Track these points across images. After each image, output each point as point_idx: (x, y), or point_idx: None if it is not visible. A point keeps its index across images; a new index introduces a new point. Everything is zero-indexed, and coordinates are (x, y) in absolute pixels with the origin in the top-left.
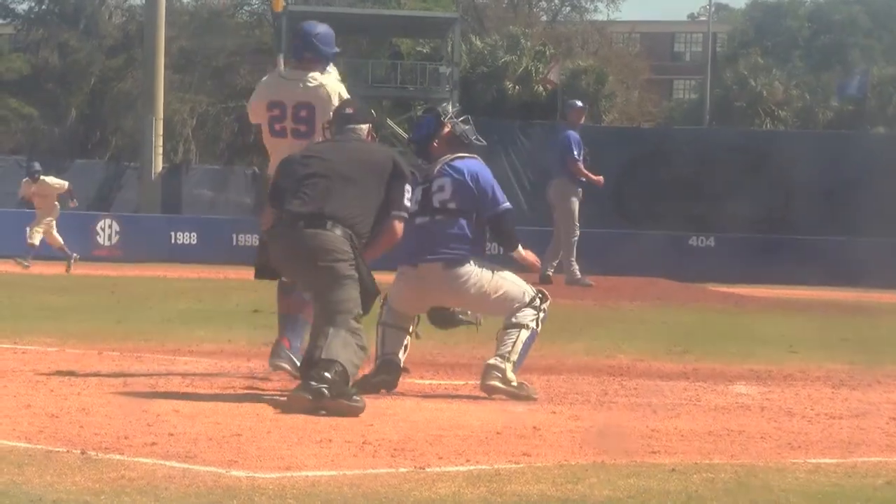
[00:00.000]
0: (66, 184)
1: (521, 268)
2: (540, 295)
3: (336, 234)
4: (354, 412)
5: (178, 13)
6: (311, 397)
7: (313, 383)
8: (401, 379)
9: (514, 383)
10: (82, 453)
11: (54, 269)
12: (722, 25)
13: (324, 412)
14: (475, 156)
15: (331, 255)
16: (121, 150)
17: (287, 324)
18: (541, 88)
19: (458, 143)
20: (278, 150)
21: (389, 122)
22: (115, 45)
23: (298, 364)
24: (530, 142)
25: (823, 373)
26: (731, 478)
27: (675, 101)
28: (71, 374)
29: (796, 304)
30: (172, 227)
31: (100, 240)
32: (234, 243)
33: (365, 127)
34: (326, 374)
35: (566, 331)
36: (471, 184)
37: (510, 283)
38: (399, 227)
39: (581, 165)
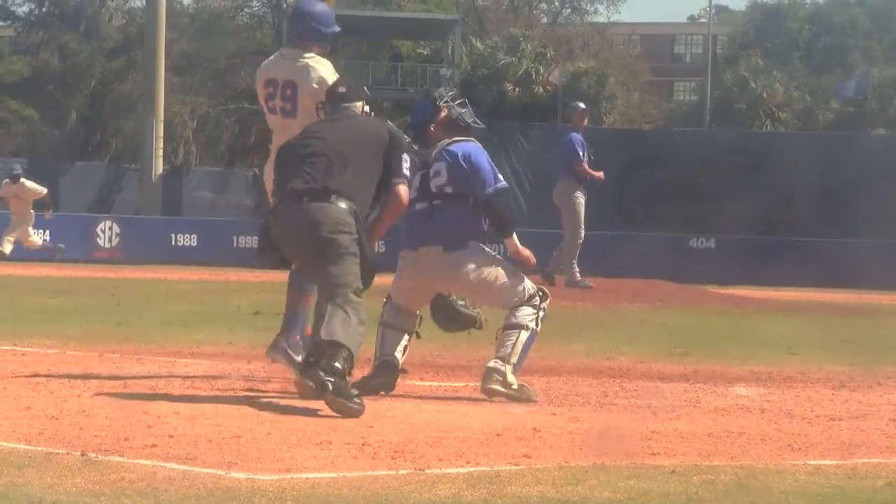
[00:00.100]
0: (44, 190)
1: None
2: (540, 293)
3: (341, 208)
4: (353, 414)
5: (178, 15)
6: (314, 386)
7: (322, 374)
8: (399, 380)
9: (515, 386)
10: (82, 455)
11: (53, 271)
12: (722, 27)
13: (321, 412)
14: (472, 139)
15: (334, 227)
16: (121, 152)
17: (288, 318)
18: (541, 90)
19: (455, 126)
20: (274, 127)
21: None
22: (116, 47)
23: (296, 358)
24: (530, 144)
25: (823, 374)
26: (731, 479)
27: (676, 103)
28: (71, 376)
29: (796, 305)
30: (173, 229)
31: (100, 242)
32: (235, 245)
33: (359, 104)
34: (336, 365)
35: (566, 332)
36: (464, 165)
37: (511, 274)
38: (402, 191)
39: (586, 166)
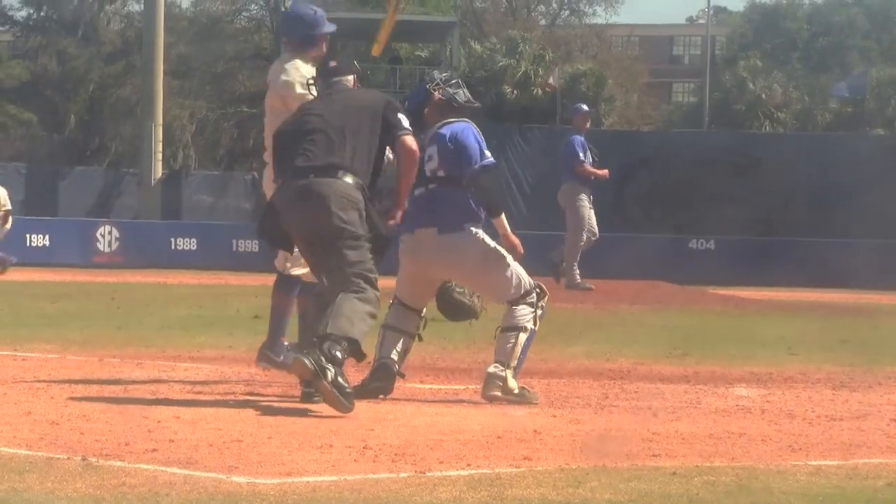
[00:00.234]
0: (5, 204)
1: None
2: (538, 290)
3: (347, 182)
4: (341, 409)
5: (176, 19)
6: (312, 368)
7: (323, 359)
8: (400, 383)
9: (516, 391)
10: (83, 460)
11: (53, 276)
12: (721, 28)
13: (322, 414)
14: (465, 119)
15: (342, 202)
16: (120, 156)
17: (273, 323)
18: (540, 92)
19: (449, 108)
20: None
21: None
22: (114, 51)
23: (277, 360)
24: (529, 146)
25: (824, 375)
26: (732, 480)
27: (675, 105)
28: (71, 380)
29: (796, 306)
30: (172, 233)
31: (100, 246)
32: (234, 249)
33: (350, 78)
34: (337, 354)
35: (566, 334)
36: (450, 145)
37: (509, 264)
38: (409, 140)
39: (588, 166)
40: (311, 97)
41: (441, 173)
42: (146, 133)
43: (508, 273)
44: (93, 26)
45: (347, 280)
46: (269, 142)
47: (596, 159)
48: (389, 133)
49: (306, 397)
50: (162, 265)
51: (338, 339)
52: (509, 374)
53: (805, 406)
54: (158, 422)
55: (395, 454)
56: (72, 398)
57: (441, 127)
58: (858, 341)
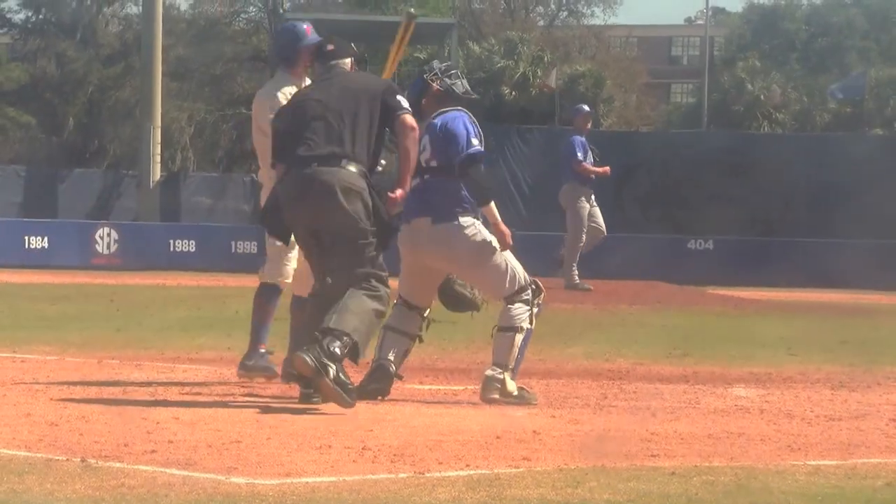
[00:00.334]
0: None
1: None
2: (533, 286)
3: (351, 171)
4: (344, 404)
5: (175, 21)
6: (313, 366)
7: (324, 359)
8: (399, 384)
9: (515, 393)
10: (82, 461)
11: (52, 278)
12: (719, 29)
13: (320, 412)
14: (460, 108)
15: (348, 191)
16: (119, 158)
17: (253, 330)
18: (535, 92)
19: (447, 98)
20: None
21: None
22: (113, 53)
23: (249, 363)
24: (528, 147)
25: (822, 375)
26: (730, 480)
27: (673, 105)
28: (70, 382)
29: (795, 306)
30: (171, 234)
31: (98, 248)
32: (233, 251)
33: (348, 61)
34: (335, 351)
35: (565, 335)
36: (440, 134)
37: (505, 257)
38: (409, 119)
39: (587, 165)
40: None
41: (434, 163)
42: (145, 135)
43: (504, 266)
44: (91, 29)
45: (358, 277)
46: (261, 161)
47: (597, 159)
48: (389, 115)
49: (305, 398)
50: (161, 267)
51: (339, 335)
52: (507, 376)
53: (804, 406)
54: (157, 423)
55: (394, 455)
56: (71, 400)
57: (435, 117)
58: (857, 341)
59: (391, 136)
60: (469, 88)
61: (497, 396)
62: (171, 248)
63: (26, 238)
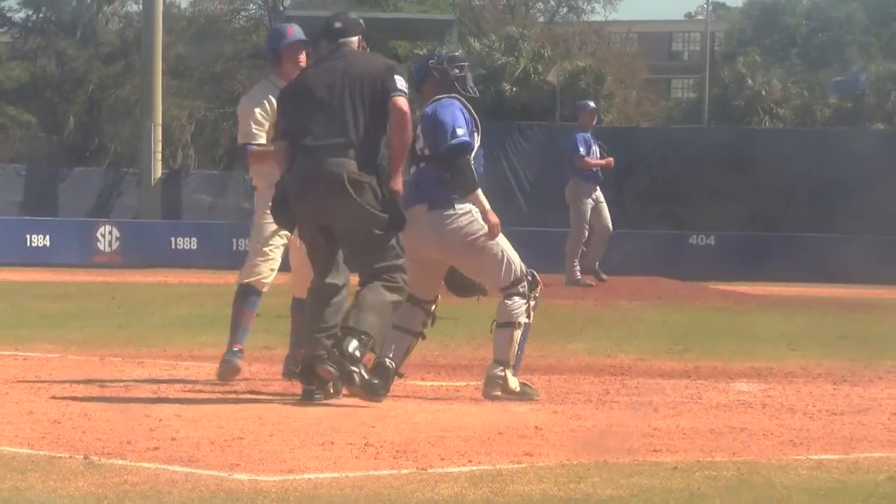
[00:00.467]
0: None
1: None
2: (529, 277)
3: (362, 162)
4: (375, 399)
5: (175, 19)
6: (338, 375)
7: (348, 367)
8: (401, 381)
9: (517, 390)
10: (85, 459)
11: (54, 276)
12: (720, 24)
13: (318, 395)
14: (454, 95)
15: (358, 186)
16: (120, 156)
17: (237, 331)
18: (539, 89)
19: (446, 86)
20: None
21: None
22: (113, 52)
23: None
24: (529, 143)
25: (824, 369)
26: (733, 475)
27: (674, 101)
28: (73, 380)
29: (796, 301)
30: (172, 232)
31: (100, 246)
32: (234, 248)
33: (355, 39)
34: (357, 353)
35: (567, 331)
36: (429, 122)
37: (502, 248)
38: (399, 101)
39: (589, 160)
40: (255, 136)
41: (426, 151)
42: (145, 133)
43: (500, 255)
44: (91, 27)
45: (377, 271)
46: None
47: (605, 154)
48: (384, 97)
49: (307, 395)
50: (162, 264)
51: (358, 335)
52: (509, 373)
53: (806, 401)
54: (160, 420)
55: (397, 451)
56: (73, 397)
57: (430, 104)
58: (859, 336)
59: None
60: (473, 85)
61: (499, 393)
62: (173, 246)
63: (27, 236)
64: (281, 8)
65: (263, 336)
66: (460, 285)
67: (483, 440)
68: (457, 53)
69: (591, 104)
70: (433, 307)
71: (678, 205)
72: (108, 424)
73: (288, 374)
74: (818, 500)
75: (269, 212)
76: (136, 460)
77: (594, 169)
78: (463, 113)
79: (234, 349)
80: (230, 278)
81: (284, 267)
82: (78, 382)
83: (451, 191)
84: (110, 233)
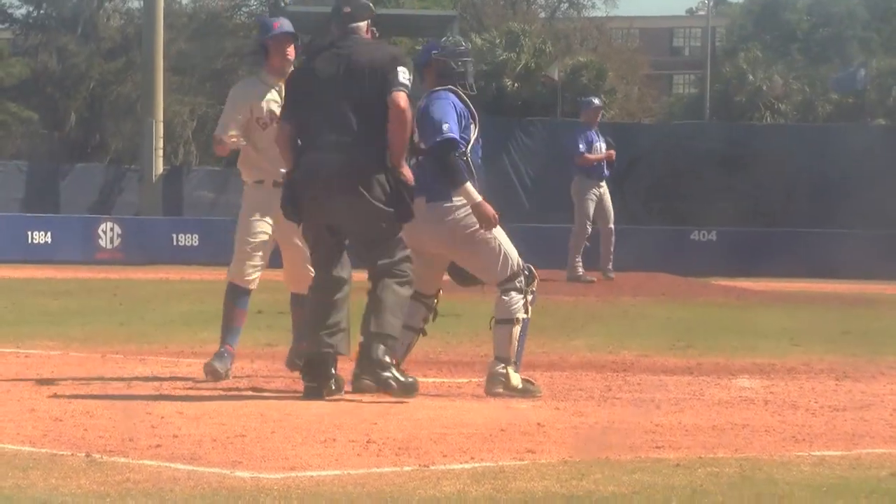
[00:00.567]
0: None
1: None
2: (526, 271)
3: (371, 161)
4: (411, 397)
5: (176, 15)
6: (376, 387)
7: (383, 375)
8: None
9: (519, 387)
10: (87, 456)
11: (55, 273)
12: (721, 20)
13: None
14: (448, 87)
15: (368, 182)
16: (121, 153)
17: (226, 332)
18: (541, 85)
19: (446, 79)
20: None
21: None
22: (114, 48)
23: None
24: (530, 139)
25: (826, 365)
26: (735, 472)
27: (675, 97)
28: (74, 377)
29: (798, 297)
30: (174, 229)
31: (101, 243)
32: None
33: (364, 24)
34: (387, 359)
35: (569, 327)
36: (421, 116)
37: (499, 241)
38: (400, 96)
39: (588, 155)
40: (226, 128)
41: (423, 144)
42: (147, 129)
43: (497, 249)
44: (92, 23)
45: (386, 267)
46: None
47: (612, 151)
48: (385, 90)
49: (309, 392)
50: (164, 261)
51: (384, 339)
52: (511, 370)
53: (808, 397)
54: (162, 418)
55: (399, 448)
56: (75, 395)
57: (424, 97)
58: (860, 332)
59: None
60: (472, 82)
61: (502, 391)
62: (174, 243)
63: (29, 233)
64: (282, 4)
65: (266, 333)
66: (462, 274)
67: (485, 437)
68: (461, 47)
69: (596, 101)
70: (435, 302)
71: (680, 201)
72: (109, 422)
73: (291, 364)
74: (820, 496)
75: (253, 209)
76: (138, 458)
77: (596, 164)
78: (455, 107)
79: (223, 351)
80: None
81: (278, 263)
82: (79, 380)
83: (447, 184)
84: (112, 229)
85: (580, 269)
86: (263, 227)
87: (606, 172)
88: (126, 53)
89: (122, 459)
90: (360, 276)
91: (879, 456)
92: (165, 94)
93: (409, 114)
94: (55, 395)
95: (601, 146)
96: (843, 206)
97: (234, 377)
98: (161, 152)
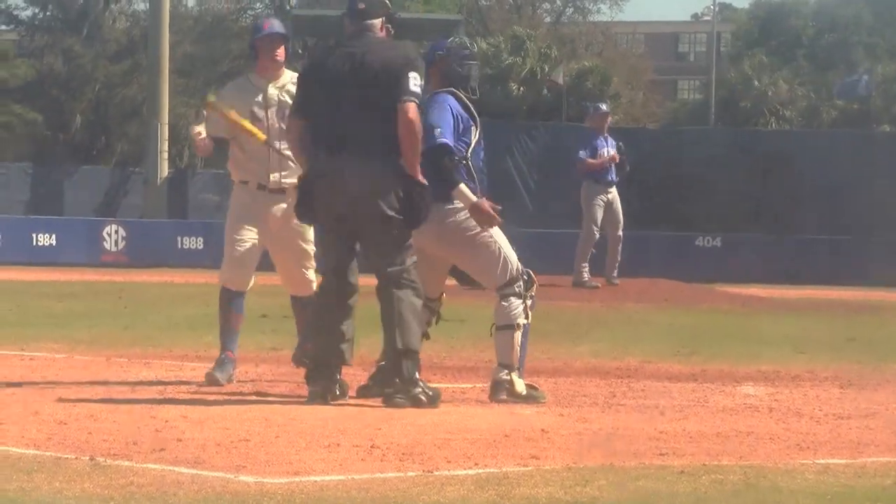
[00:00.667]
0: None
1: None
2: (525, 276)
3: (384, 161)
4: (437, 403)
5: (182, 18)
6: (409, 403)
7: (414, 392)
8: None
9: (524, 393)
10: (91, 460)
11: (60, 275)
12: (726, 25)
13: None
14: (449, 90)
15: (382, 188)
16: (126, 155)
17: (224, 337)
18: (546, 90)
19: (448, 80)
20: None
21: None
22: (120, 50)
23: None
24: (535, 144)
25: (831, 373)
26: (739, 479)
27: (680, 102)
28: (79, 381)
29: (802, 304)
30: (179, 231)
31: (106, 245)
32: None
33: (378, 21)
34: (415, 374)
35: (573, 333)
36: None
37: (499, 245)
38: (410, 108)
39: (590, 161)
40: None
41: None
42: (152, 132)
43: (497, 252)
44: (98, 25)
45: (396, 275)
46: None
47: (624, 156)
48: (396, 97)
49: (313, 397)
50: (168, 264)
51: (411, 355)
52: (514, 376)
53: (813, 404)
54: (166, 421)
55: (403, 453)
56: (79, 398)
57: (428, 98)
58: (866, 339)
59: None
60: (475, 86)
61: (506, 397)
62: (179, 246)
63: (34, 235)
64: (287, 7)
65: (271, 337)
66: (465, 275)
67: (489, 443)
68: (465, 50)
69: (603, 107)
70: (438, 305)
71: (684, 206)
72: (114, 425)
73: (298, 361)
74: None
75: (238, 211)
76: (142, 462)
77: (603, 170)
78: (452, 110)
79: (224, 358)
80: None
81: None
82: (84, 383)
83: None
84: (116, 232)
85: (586, 275)
86: (250, 228)
87: (615, 178)
88: (131, 56)
89: (126, 463)
90: (365, 281)
91: (884, 465)
92: (171, 96)
93: (417, 124)
94: (59, 399)
95: (608, 151)
96: (850, 212)
97: (239, 381)
98: (166, 155)
